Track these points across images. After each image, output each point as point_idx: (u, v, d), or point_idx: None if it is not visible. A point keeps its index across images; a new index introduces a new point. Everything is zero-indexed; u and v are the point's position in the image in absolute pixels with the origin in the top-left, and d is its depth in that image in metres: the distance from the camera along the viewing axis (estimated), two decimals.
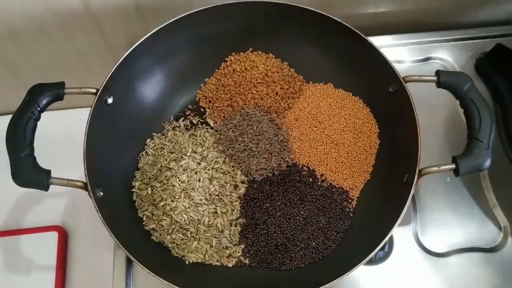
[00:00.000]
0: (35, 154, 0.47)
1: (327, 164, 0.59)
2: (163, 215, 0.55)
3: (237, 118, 0.61)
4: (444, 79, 0.51)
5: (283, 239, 0.55)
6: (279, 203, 0.57)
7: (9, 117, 0.47)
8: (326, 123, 0.61)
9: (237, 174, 0.58)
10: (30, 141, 0.47)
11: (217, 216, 0.56)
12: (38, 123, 0.48)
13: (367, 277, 0.58)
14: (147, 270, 0.46)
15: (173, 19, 0.56)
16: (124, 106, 0.57)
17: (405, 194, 0.48)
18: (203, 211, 0.55)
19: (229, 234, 0.56)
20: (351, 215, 0.57)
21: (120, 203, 0.56)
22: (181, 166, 0.57)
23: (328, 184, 0.58)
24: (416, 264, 0.59)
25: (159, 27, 0.56)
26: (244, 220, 0.57)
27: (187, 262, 0.54)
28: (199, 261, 0.54)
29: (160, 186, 0.56)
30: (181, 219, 0.55)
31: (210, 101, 0.64)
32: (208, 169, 0.58)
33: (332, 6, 0.68)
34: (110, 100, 0.54)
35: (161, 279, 0.46)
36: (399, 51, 0.72)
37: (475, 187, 0.62)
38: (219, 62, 0.65)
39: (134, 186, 0.58)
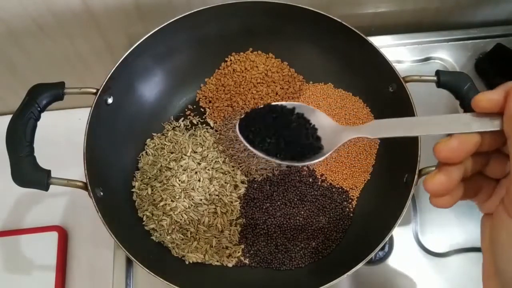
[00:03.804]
0: (35, 154, 0.47)
1: (327, 164, 0.59)
2: (163, 215, 0.55)
3: (237, 118, 0.61)
4: (444, 79, 0.51)
5: (283, 239, 0.55)
6: (279, 203, 0.57)
7: (9, 117, 0.47)
8: None
9: (237, 174, 0.58)
10: (30, 141, 0.47)
11: (217, 216, 0.56)
12: (38, 123, 0.48)
13: (367, 277, 0.58)
14: (147, 270, 0.46)
15: (173, 19, 0.56)
16: (124, 106, 0.57)
17: (405, 194, 0.48)
18: (203, 211, 0.55)
19: (229, 234, 0.56)
20: (351, 215, 0.57)
21: (120, 203, 0.56)
22: (181, 166, 0.57)
23: (328, 184, 0.58)
24: (416, 264, 0.59)
25: (159, 27, 0.55)
26: (244, 220, 0.57)
27: (187, 262, 0.54)
28: (199, 261, 0.54)
29: (160, 186, 0.56)
30: (181, 219, 0.55)
31: (210, 101, 0.64)
32: (208, 169, 0.58)
33: (332, 6, 0.68)
34: (110, 100, 0.54)
35: (161, 279, 0.46)
36: (399, 51, 0.72)
37: None
38: (219, 62, 0.65)
39: (134, 186, 0.58)
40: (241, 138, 0.40)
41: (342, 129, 0.37)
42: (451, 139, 0.26)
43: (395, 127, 0.30)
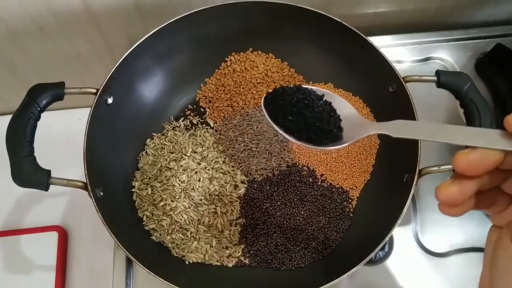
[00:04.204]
0: (35, 154, 0.47)
1: (327, 164, 0.59)
2: (163, 215, 0.55)
3: (237, 118, 0.61)
4: (444, 79, 0.51)
5: (283, 239, 0.55)
6: (279, 203, 0.57)
7: (9, 117, 0.47)
8: None
9: (237, 174, 0.58)
10: (30, 141, 0.47)
11: (217, 216, 0.56)
12: (38, 123, 0.48)
13: (367, 277, 0.58)
14: (147, 270, 0.46)
15: (173, 19, 0.56)
16: (124, 106, 0.57)
17: (405, 194, 0.48)
18: (203, 211, 0.55)
19: (229, 234, 0.56)
20: (351, 215, 0.57)
21: (120, 203, 0.56)
22: (181, 166, 0.57)
23: (328, 184, 0.58)
24: (416, 264, 0.59)
25: (159, 27, 0.55)
26: (244, 220, 0.57)
27: (187, 262, 0.54)
28: (199, 261, 0.54)
29: (160, 186, 0.56)
30: (181, 219, 0.55)
31: (210, 101, 0.64)
32: (208, 169, 0.58)
33: (332, 6, 0.68)
34: (110, 100, 0.54)
35: (161, 279, 0.46)
36: (399, 51, 0.72)
37: None
38: (219, 62, 0.65)
39: (134, 186, 0.58)
40: (264, 112, 0.41)
41: (365, 123, 0.37)
42: (472, 152, 0.25)
43: (419, 130, 0.30)
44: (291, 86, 0.42)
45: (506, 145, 0.25)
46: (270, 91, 0.43)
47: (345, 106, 0.40)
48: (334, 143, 0.37)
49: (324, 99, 0.40)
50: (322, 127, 0.38)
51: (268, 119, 0.41)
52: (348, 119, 0.39)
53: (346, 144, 0.37)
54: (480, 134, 0.26)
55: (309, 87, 0.41)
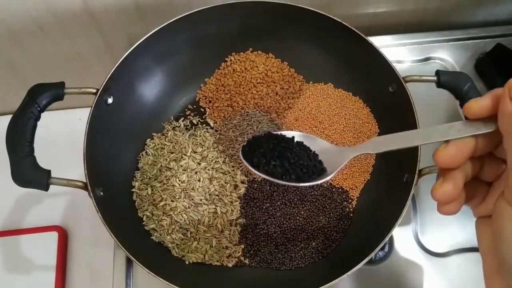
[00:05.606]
0: (35, 154, 0.47)
1: None
2: (163, 215, 0.55)
3: (237, 118, 0.61)
4: (444, 79, 0.51)
5: (283, 239, 0.55)
6: (279, 203, 0.57)
7: (9, 117, 0.47)
8: (326, 123, 0.61)
9: (237, 174, 0.58)
10: (30, 141, 0.47)
11: (217, 216, 0.56)
12: (38, 123, 0.48)
13: (367, 277, 0.58)
14: (147, 270, 0.46)
15: (173, 19, 0.56)
16: (124, 106, 0.57)
17: (405, 194, 0.48)
18: (203, 211, 0.56)
19: (229, 234, 0.56)
20: (351, 215, 0.57)
21: (120, 203, 0.56)
22: (181, 166, 0.57)
23: (328, 184, 0.58)
24: (416, 264, 0.59)
25: (159, 27, 0.56)
26: (244, 220, 0.57)
27: (187, 262, 0.54)
28: (199, 261, 0.54)
29: (160, 186, 0.56)
30: (181, 219, 0.55)
31: (210, 101, 0.64)
32: (208, 169, 0.58)
33: (332, 6, 0.68)
34: (110, 100, 0.54)
35: (161, 279, 0.46)
36: (399, 51, 0.72)
37: None
38: (219, 62, 0.65)
39: (134, 186, 0.58)
40: (245, 163, 0.41)
41: (342, 150, 0.39)
42: (449, 145, 0.28)
43: (396, 140, 0.32)
44: (263, 134, 0.43)
45: (474, 130, 0.28)
46: (245, 143, 0.43)
47: (316, 141, 0.41)
48: (321, 177, 0.38)
49: (296, 141, 0.41)
50: (306, 164, 0.39)
51: (252, 169, 0.40)
52: (324, 153, 0.40)
53: (333, 174, 0.38)
54: (449, 128, 0.28)
55: (278, 132, 0.42)
